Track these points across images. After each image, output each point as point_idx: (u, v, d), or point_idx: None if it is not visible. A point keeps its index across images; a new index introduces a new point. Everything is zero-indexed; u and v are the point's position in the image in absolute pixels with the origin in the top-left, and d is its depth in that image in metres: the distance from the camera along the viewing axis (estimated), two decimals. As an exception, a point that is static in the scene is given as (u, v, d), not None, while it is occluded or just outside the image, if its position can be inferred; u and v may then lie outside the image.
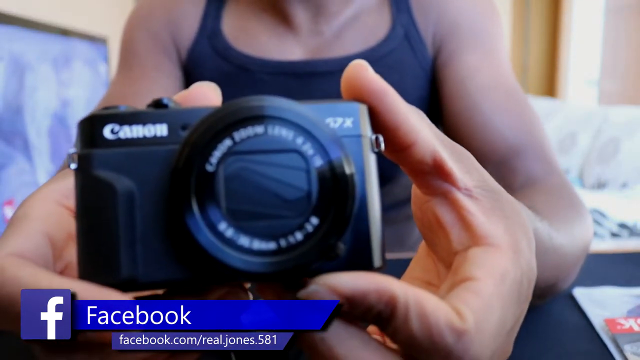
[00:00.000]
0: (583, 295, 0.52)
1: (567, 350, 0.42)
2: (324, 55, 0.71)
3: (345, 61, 0.70)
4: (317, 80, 0.70)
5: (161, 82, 0.72)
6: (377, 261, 0.23)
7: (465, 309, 0.22)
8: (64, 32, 1.60)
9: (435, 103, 0.71)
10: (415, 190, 0.27)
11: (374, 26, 0.71)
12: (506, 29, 3.94)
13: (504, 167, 0.62)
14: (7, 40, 1.28)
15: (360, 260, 0.23)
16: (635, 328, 0.43)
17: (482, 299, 0.22)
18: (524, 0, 3.91)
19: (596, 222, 1.85)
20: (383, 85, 0.24)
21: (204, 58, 0.73)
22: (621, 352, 0.41)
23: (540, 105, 3.01)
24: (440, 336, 0.21)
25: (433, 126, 0.26)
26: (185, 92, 0.27)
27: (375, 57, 0.70)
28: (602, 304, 0.50)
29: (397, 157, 0.26)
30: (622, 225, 1.85)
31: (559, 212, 0.49)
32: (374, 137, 0.24)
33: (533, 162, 0.61)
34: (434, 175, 0.25)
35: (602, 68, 3.53)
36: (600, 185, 2.42)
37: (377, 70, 0.78)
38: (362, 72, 0.24)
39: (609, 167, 2.41)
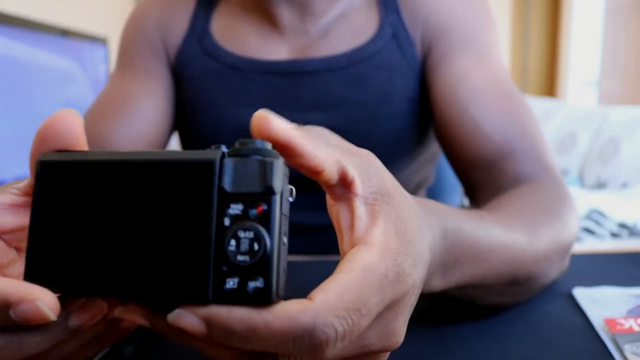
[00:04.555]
0: (583, 295, 0.52)
1: (567, 350, 0.42)
2: (311, 55, 0.71)
3: (332, 60, 0.70)
4: (305, 79, 0.70)
5: (149, 85, 0.73)
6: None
7: (317, 294, 0.26)
8: (64, 32, 1.60)
9: (427, 104, 0.71)
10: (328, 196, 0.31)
11: (362, 25, 0.71)
12: (506, 29, 3.94)
13: (494, 169, 0.62)
14: (7, 40, 1.28)
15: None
16: (635, 328, 0.43)
17: (337, 283, 0.26)
18: (524, 0, 3.91)
19: (596, 222, 1.85)
20: (286, 134, 0.27)
21: (193, 58, 0.74)
22: (621, 352, 0.41)
23: (540, 105, 3.01)
24: (299, 320, 0.25)
25: (342, 141, 0.30)
26: (47, 124, 0.28)
27: (363, 56, 0.69)
28: (602, 303, 0.50)
29: (310, 176, 0.29)
30: (622, 225, 1.85)
31: (525, 212, 0.50)
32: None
33: (523, 164, 0.61)
34: (339, 185, 0.29)
35: (602, 68, 3.53)
36: (600, 185, 2.42)
37: (364, 70, 0.78)
38: (265, 125, 0.27)
39: (608, 167, 2.41)
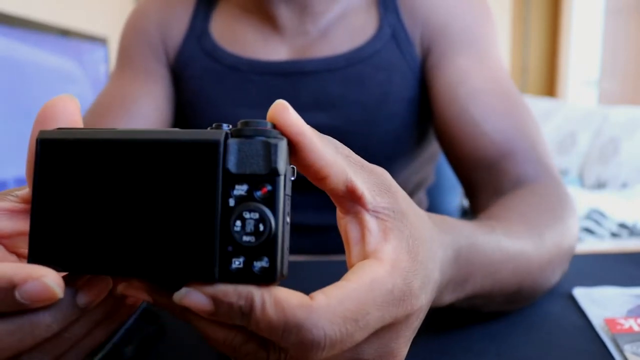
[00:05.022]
0: (583, 295, 0.52)
1: (567, 351, 0.42)
2: (311, 55, 0.71)
3: (332, 60, 0.69)
4: (304, 79, 0.70)
5: (149, 86, 0.73)
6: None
7: (318, 294, 0.26)
8: (64, 33, 1.60)
9: (426, 104, 0.71)
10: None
11: (361, 26, 0.71)
12: (506, 29, 3.94)
13: (494, 169, 0.62)
14: (7, 41, 1.28)
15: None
16: (635, 328, 0.43)
17: (341, 290, 0.26)
18: (524, 0, 3.91)
19: (596, 222, 1.85)
20: (301, 127, 0.27)
21: (192, 58, 0.74)
22: (621, 352, 0.41)
23: (540, 105, 3.01)
24: (293, 313, 0.25)
25: (352, 154, 0.30)
26: (46, 106, 0.29)
27: (362, 57, 0.69)
28: (602, 303, 0.50)
29: (315, 184, 0.29)
30: (622, 225, 1.85)
31: (530, 217, 0.50)
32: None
33: (523, 165, 0.61)
34: (347, 198, 0.29)
35: (602, 68, 3.53)
36: (600, 185, 2.42)
37: (363, 70, 0.78)
38: (282, 113, 0.27)
39: (608, 167, 2.41)
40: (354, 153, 0.30)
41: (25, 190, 0.30)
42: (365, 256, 0.29)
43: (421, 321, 0.31)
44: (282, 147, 0.26)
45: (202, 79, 0.73)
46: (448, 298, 0.37)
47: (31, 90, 1.39)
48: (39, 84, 1.43)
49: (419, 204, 0.80)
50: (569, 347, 0.43)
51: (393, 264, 0.28)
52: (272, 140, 0.26)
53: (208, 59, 0.73)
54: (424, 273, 0.30)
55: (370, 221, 0.29)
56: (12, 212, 0.30)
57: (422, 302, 0.29)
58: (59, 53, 1.55)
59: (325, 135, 0.29)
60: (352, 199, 0.29)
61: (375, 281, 0.27)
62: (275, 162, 0.26)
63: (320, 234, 0.72)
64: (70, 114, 0.29)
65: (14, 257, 0.31)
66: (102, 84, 1.82)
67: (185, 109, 0.75)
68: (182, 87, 0.74)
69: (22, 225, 0.30)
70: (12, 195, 0.30)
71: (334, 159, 0.28)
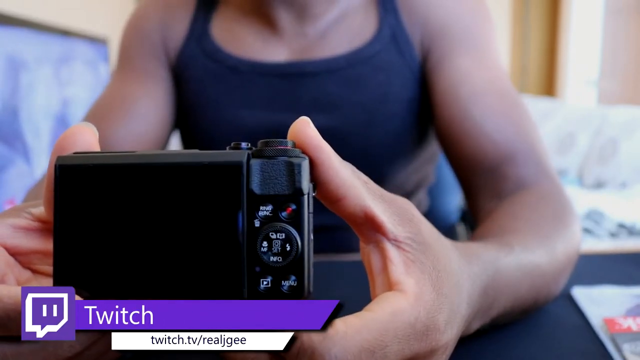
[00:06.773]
0: (582, 294, 0.52)
1: (566, 350, 0.42)
2: (310, 56, 0.71)
3: (331, 62, 0.70)
4: (304, 80, 0.70)
5: (149, 87, 0.74)
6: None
7: (337, 322, 0.26)
8: (64, 33, 1.60)
9: (426, 105, 0.71)
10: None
11: (360, 27, 0.71)
12: (506, 29, 3.94)
13: (495, 173, 0.62)
14: (7, 41, 1.28)
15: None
16: (634, 327, 0.44)
17: (360, 319, 0.26)
18: (523, 0, 3.91)
19: (595, 222, 1.85)
20: (319, 142, 0.27)
21: (193, 60, 0.74)
22: (620, 351, 0.41)
23: (539, 105, 3.01)
24: (308, 337, 0.25)
25: (370, 182, 0.29)
26: (65, 135, 0.29)
27: (361, 58, 0.70)
28: (601, 303, 0.50)
29: (332, 208, 0.29)
30: (621, 225, 1.85)
31: (541, 227, 0.50)
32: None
33: (524, 167, 0.61)
34: (367, 226, 0.29)
35: (602, 68, 3.53)
36: (599, 185, 2.42)
37: (363, 71, 0.78)
38: (303, 127, 0.27)
39: (608, 167, 2.41)
40: (372, 182, 0.30)
41: (40, 209, 0.30)
42: (389, 287, 0.28)
43: (447, 357, 0.30)
44: (305, 166, 0.26)
45: (202, 80, 0.73)
46: (475, 326, 0.37)
47: (31, 90, 1.39)
48: (39, 84, 1.43)
49: (419, 204, 0.80)
50: (568, 346, 0.43)
51: (416, 297, 0.28)
52: (295, 160, 0.26)
53: (208, 61, 0.73)
54: (449, 307, 0.29)
55: (392, 251, 0.29)
56: (28, 230, 0.30)
57: (448, 337, 0.29)
58: (59, 53, 1.55)
59: (345, 161, 0.29)
60: (372, 227, 0.29)
61: (397, 313, 0.26)
62: (300, 181, 0.26)
63: (325, 233, 0.72)
64: (88, 143, 0.28)
65: (29, 273, 0.31)
66: (102, 84, 1.82)
67: (185, 110, 0.75)
68: (183, 88, 0.74)
69: (37, 243, 0.30)
70: (27, 213, 0.31)
71: (351, 180, 0.28)
